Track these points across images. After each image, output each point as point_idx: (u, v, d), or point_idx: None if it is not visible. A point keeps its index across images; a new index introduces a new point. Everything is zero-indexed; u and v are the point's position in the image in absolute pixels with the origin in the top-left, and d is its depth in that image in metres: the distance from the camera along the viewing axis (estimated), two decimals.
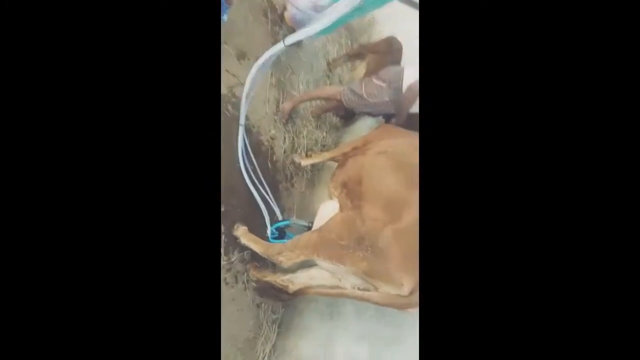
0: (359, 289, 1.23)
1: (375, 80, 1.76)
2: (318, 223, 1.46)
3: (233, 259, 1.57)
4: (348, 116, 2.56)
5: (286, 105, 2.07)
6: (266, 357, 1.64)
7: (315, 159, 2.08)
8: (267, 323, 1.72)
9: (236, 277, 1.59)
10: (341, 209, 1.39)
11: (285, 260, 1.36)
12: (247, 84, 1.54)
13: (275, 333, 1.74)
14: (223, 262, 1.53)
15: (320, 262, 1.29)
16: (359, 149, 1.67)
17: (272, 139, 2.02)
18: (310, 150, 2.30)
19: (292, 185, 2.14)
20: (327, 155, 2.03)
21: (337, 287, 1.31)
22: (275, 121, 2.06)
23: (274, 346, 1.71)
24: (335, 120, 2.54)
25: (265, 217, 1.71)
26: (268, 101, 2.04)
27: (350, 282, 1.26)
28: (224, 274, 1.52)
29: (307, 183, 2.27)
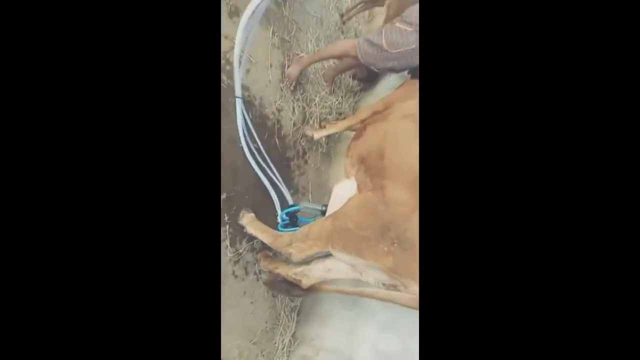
0: (383, 284, 1.02)
1: (398, 24, 1.41)
2: (333, 207, 1.25)
3: (241, 250, 1.42)
4: (369, 78, 2.21)
5: (292, 70, 1.78)
6: (285, 348, 1.54)
7: (329, 130, 1.82)
8: (285, 312, 1.61)
9: (246, 269, 1.45)
10: (359, 189, 1.15)
11: (295, 252, 1.17)
12: (238, 41, 1.27)
13: (295, 322, 1.62)
14: (230, 255, 1.38)
15: (336, 253, 1.09)
16: (379, 114, 1.38)
17: (279, 110, 1.77)
18: (324, 120, 2.03)
19: (306, 162, 1.92)
20: (342, 124, 1.76)
21: (358, 281, 1.11)
22: (282, 90, 1.79)
23: (293, 336, 1.60)
24: (352, 83, 2.21)
25: (275, 202, 1.51)
26: (271, 66, 1.75)
27: (373, 276, 1.06)
28: (231, 267, 1.38)
29: (322, 157, 2.03)
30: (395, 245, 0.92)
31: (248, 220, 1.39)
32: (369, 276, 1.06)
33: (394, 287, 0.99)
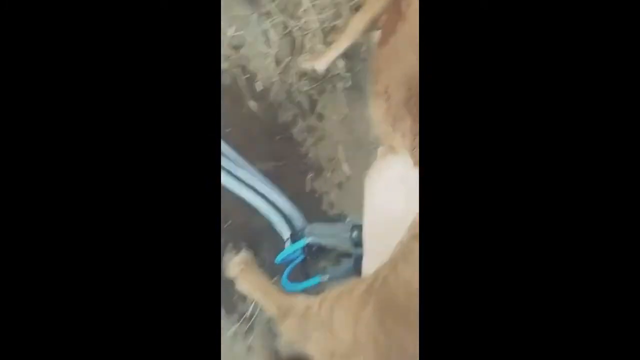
0: None
1: None
2: (373, 229, 0.52)
3: (248, 311, 0.86)
4: None
5: None
6: None
7: (339, 46, 1.02)
8: None
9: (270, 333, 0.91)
10: None
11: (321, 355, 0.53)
12: None
13: None
14: (234, 327, 0.85)
15: None
16: None
17: (237, 48, 1.00)
18: (330, 31, 1.19)
19: (321, 117, 1.15)
20: (356, 25, 0.92)
21: None
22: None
23: None
24: None
25: (273, 223, 0.85)
26: None
27: None
28: (243, 343, 0.85)
29: (349, 95, 1.21)
30: None
31: (239, 269, 0.79)
32: None
33: None
